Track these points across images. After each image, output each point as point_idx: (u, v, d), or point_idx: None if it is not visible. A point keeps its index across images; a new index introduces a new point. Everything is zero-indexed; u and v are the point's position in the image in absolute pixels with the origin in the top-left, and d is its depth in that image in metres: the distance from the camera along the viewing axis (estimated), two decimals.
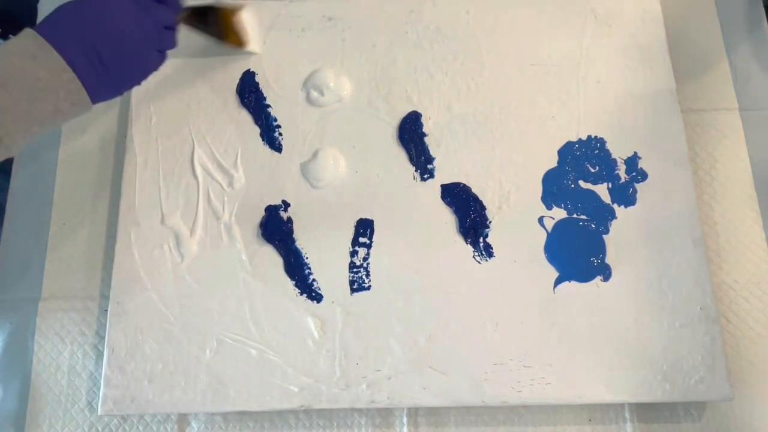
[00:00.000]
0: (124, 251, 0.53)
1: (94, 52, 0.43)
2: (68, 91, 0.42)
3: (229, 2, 0.55)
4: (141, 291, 0.52)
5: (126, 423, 0.52)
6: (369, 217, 0.54)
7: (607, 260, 0.53)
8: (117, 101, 0.60)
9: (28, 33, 0.42)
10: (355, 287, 0.52)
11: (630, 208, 0.54)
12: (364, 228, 0.54)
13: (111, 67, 0.44)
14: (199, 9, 0.53)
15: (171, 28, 0.49)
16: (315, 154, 0.56)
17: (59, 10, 0.44)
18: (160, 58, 0.48)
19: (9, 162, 0.59)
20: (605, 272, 0.53)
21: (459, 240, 0.53)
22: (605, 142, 0.56)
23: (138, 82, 0.47)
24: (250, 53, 0.58)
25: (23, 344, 0.54)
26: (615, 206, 0.54)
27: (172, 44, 0.49)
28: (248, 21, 0.56)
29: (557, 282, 0.52)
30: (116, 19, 0.44)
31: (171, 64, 0.53)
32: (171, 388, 0.50)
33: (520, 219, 0.54)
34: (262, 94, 0.58)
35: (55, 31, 0.42)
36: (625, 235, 0.53)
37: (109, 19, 0.44)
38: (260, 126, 0.57)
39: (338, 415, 0.52)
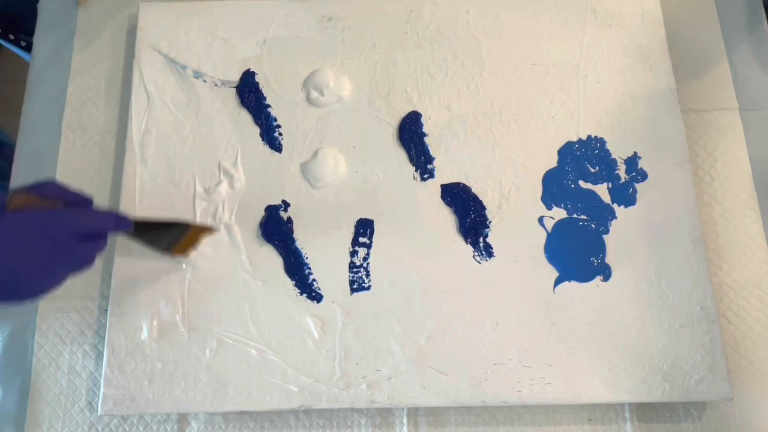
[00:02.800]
0: (124, 251, 0.53)
1: None
2: None
3: (194, 222, 0.52)
4: (141, 291, 0.52)
5: (126, 423, 0.52)
6: (369, 217, 0.54)
7: (607, 260, 0.53)
8: (118, 102, 0.60)
9: None
10: (355, 287, 0.52)
11: (630, 208, 0.54)
12: (364, 228, 0.54)
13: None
14: (156, 224, 0.49)
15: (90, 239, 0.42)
16: (315, 154, 0.56)
17: None
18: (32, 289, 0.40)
19: (9, 163, 0.59)
20: (605, 272, 0.53)
21: (459, 240, 0.53)
22: (605, 142, 0.56)
23: (31, 297, 0.40)
24: (180, 261, 0.53)
25: (23, 344, 0.54)
26: (615, 206, 0.54)
27: (91, 260, 0.42)
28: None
29: (557, 282, 0.52)
30: (15, 251, 0.38)
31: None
32: (171, 388, 0.50)
33: (520, 219, 0.54)
34: (262, 94, 0.58)
35: None
36: (625, 235, 0.53)
37: (8, 251, 0.37)
38: (260, 126, 0.57)
39: (338, 415, 0.52)
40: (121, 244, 0.53)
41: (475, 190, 0.55)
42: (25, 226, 0.38)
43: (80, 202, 0.42)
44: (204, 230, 0.52)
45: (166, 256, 0.52)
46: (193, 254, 0.52)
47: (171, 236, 0.50)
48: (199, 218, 0.54)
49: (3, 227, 0.38)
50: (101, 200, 0.57)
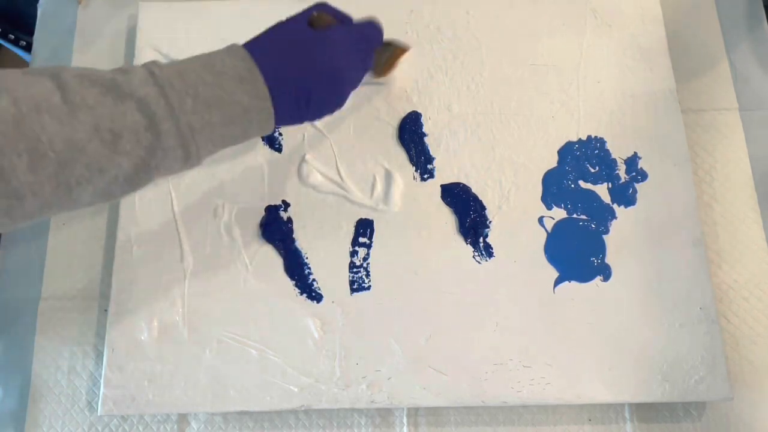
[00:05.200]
0: (124, 251, 0.53)
1: (296, 84, 0.41)
2: (260, 119, 0.40)
3: (398, 41, 0.54)
4: (141, 291, 0.52)
5: (126, 423, 0.52)
6: (369, 217, 0.54)
7: (607, 260, 0.53)
8: None
9: (238, 51, 0.40)
10: (355, 287, 0.52)
11: (630, 208, 0.54)
12: (364, 228, 0.54)
13: (311, 104, 0.42)
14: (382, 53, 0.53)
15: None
16: (307, 175, 0.56)
17: (275, 32, 0.42)
18: (349, 92, 0.46)
19: None
20: (605, 272, 0.53)
21: (459, 240, 0.53)
22: (605, 142, 0.56)
23: (325, 115, 0.45)
24: (379, 82, 0.58)
25: (23, 344, 0.54)
26: (615, 206, 0.54)
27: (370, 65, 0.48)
28: (403, 62, 0.56)
29: (557, 282, 0.52)
30: (333, 62, 0.42)
31: None
32: (171, 388, 0.50)
33: (520, 219, 0.54)
34: None
35: (265, 56, 0.40)
36: (625, 235, 0.54)
37: (326, 61, 0.42)
38: None
39: (338, 415, 0.52)
40: (121, 244, 0.53)
41: (475, 190, 0.55)
42: (348, 37, 0.44)
43: (349, 19, 0.47)
44: (404, 50, 0.54)
45: (371, 78, 0.55)
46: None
47: (385, 56, 0.53)
48: (198, 217, 0.54)
49: (340, 35, 0.44)
50: (101, 204, 0.57)
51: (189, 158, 0.39)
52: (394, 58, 0.55)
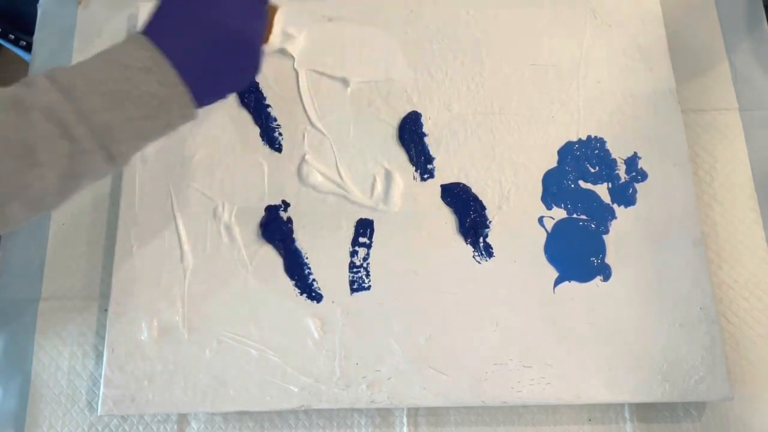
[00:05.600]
0: (124, 251, 0.53)
1: (205, 57, 0.40)
2: (180, 105, 0.39)
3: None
4: (141, 291, 0.52)
5: (126, 423, 0.52)
6: (369, 217, 0.54)
7: (607, 260, 0.53)
8: None
9: (138, 41, 0.39)
10: (355, 287, 0.52)
11: (630, 208, 0.54)
12: (364, 228, 0.54)
13: (227, 72, 0.41)
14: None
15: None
16: (307, 175, 0.56)
17: (164, 7, 0.40)
18: (261, 54, 0.44)
19: None
20: (605, 272, 0.53)
21: (459, 240, 0.53)
22: (605, 142, 0.56)
23: (245, 84, 0.43)
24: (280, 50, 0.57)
25: (23, 344, 0.54)
26: (615, 206, 0.54)
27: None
28: (278, 19, 0.56)
29: (557, 282, 0.52)
30: (230, 19, 0.40)
31: None
32: (171, 388, 0.50)
33: (520, 219, 0.54)
34: (262, 94, 0.58)
35: (164, 37, 0.39)
36: (625, 235, 0.54)
37: (224, 20, 0.40)
38: (260, 126, 0.57)
39: (338, 415, 0.52)
40: (121, 244, 0.53)
41: (475, 190, 0.55)
42: None
43: None
44: (275, 9, 0.52)
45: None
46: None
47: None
48: (198, 217, 0.54)
49: None
50: (101, 200, 0.57)
51: (113, 158, 0.38)
52: (271, 18, 0.52)
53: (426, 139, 0.56)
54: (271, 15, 0.51)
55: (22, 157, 0.34)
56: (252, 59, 0.43)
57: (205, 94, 0.41)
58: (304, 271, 0.53)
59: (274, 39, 0.58)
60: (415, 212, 0.54)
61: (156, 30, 0.39)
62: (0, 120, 0.34)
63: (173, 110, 0.39)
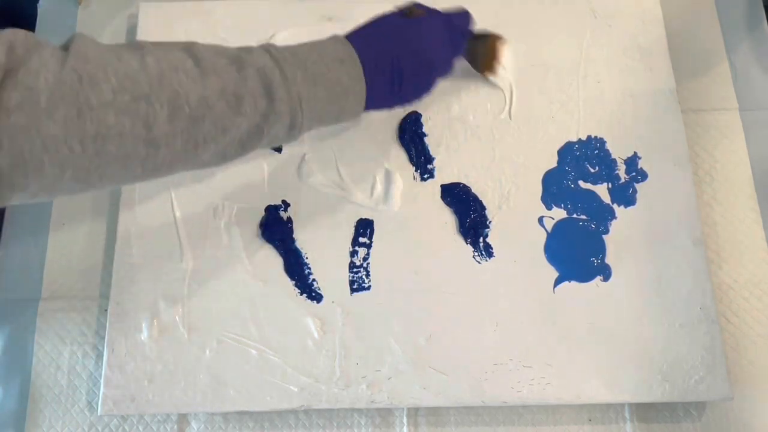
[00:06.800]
0: (124, 251, 0.53)
1: (389, 69, 0.45)
2: (355, 100, 0.44)
3: (492, 33, 0.55)
4: (141, 291, 0.52)
5: (126, 423, 0.52)
6: (369, 217, 0.54)
7: (607, 260, 0.53)
8: None
9: (340, 39, 0.45)
10: (355, 287, 0.52)
11: (630, 208, 0.54)
12: (364, 228, 0.54)
13: (403, 86, 0.46)
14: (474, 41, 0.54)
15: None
16: (307, 174, 0.56)
17: (372, 23, 0.47)
18: (436, 81, 0.49)
19: None
20: (605, 272, 0.53)
21: (459, 240, 0.53)
22: (605, 142, 0.56)
23: (412, 102, 0.49)
24: (491, 81, 0.58)
25: (23, 344, 0.54)
26: (615, 206, 0.54)
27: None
28: (507, 54, 0.57)
29: (557, 282, 0.52)
30: (422, 44, 0.47)
31: None
32: (171, 388, 0.50)
33: (520, 219, 0.54)
34: None
35: (362, 42, 0.45)
36: (625, 235, 0.53)
37: (416, 44, 0.46)
38: None
39: (338, 415, 0.52)
40: (121, 244, 0.53)
41: (475, 190, 0.55)
42: (437, 23, 0.48)
43: (439, 12, 0.50)
44: (498, 37, 0.55)
45: (483, 75, 0.57)
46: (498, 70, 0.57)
47: (482, 47, 0.55)
48: (198, 217, 0.54)
49: (429, 21, 0.48)
50: (101, 200, 0.57)
51: (293, 128, 0.42)
52: (493, 49, 0.55)
53: (426, 139, 0.56)
54: (494, 43, 0.55)
55: (231, 105, 0.39)
56: (427, 78, 0.48)
57: (378, 97, 0.46)
58: (304, 271, 0.53)
59: (502, 71, 0.58)
60: (415, 212, 0.54)
61: (356, 35, 0.46)
62: (224, 70, 0.39)
63: (349, 102, 0.44)
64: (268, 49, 0.42)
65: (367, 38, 0.46)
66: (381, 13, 0.48)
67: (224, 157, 0.41)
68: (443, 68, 0.49)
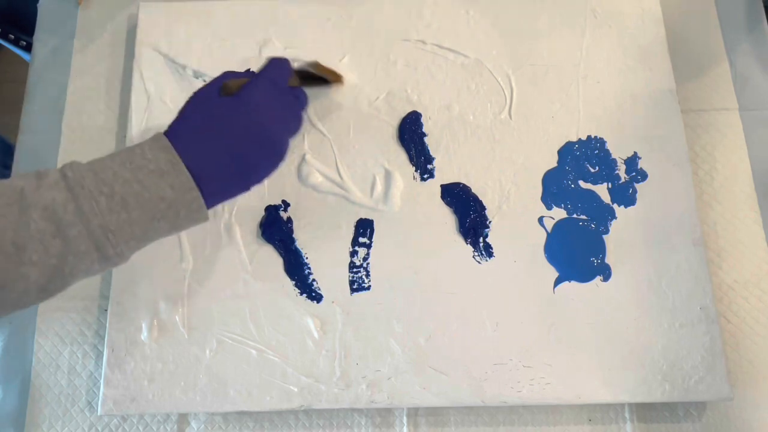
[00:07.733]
0: None
1: (226, 161, 0.40)
2: (189, 210, 0.39)
3: (306, 59, 0.54)
4: (141, 291, 0.52)
5: (126, 423, 0.52)
6: (369, 217, 0.54)
7: (607, 260, 0.53)
8: (117, 102, 0.60)
9: (160, 141, 0.39)
10: (355, 287, 0.52)
11: (630, 208, 0.54)
12: (364, 228, 0.54)
13: (248, 170, 0.41)
14: (304, 73, 0.52)
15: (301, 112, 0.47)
16: (306, 177, 0.55)
17: (191, 111, 0.41)
18: (285, 150, 0.44)
19: (9, 161, 0.59)
20: (605, 272, 0.53)
21: (459, 240, 0.53)
22: (605, 142, 0.56)
23: (261, 181, 0.43)
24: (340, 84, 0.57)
25: (23, 344, 0.54)
26: (615, 206, 0.54)
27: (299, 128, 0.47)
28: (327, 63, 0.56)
29: (557, 282, 0.52)
30: (252, 118, 0.41)
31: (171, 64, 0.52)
32: (171, 388, 0.50)
33: (520, 219, 0.54)
34: None
35: (187, 139, 0.39)
36: (625, 235, 0.53)
37: (246, 121, 0.41)
38: None
39: (338, 415, 0.52)
40: None
41: (475, 190, 0.55)
42: (259, 86, 0.43)
43: (254, 73, 0.46)
44: (315, 65, 0.53)
45: (335, 86, 0.57)
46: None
47: (318, 67, 0.53)
48: None
49: (253, 93, 0.42)
50: None
51: (107, 259, 0.38)
52: (324, 68, 0.54)
53: (426, 139, 0.56)
54: (319, 69, 0.53)
55: (10, 256, 0.34)
56: (277, 153, 0.43)
57: (222, 195, 0.42)
58: (304, 271, 0.53)
59: (344, 74, 0.57)
60: (415, 212, 0.54)
61: (177, 132, 0.40)
62: (2, 214, 0.35)
63: (181, 213, 0.39)
64: (64, 173, 0.37)
65: (191, 133, 0.40)
66: (197, 94, 0.43)
67: (18, 305, 0.37)
68: (289, 129, 0.45)
